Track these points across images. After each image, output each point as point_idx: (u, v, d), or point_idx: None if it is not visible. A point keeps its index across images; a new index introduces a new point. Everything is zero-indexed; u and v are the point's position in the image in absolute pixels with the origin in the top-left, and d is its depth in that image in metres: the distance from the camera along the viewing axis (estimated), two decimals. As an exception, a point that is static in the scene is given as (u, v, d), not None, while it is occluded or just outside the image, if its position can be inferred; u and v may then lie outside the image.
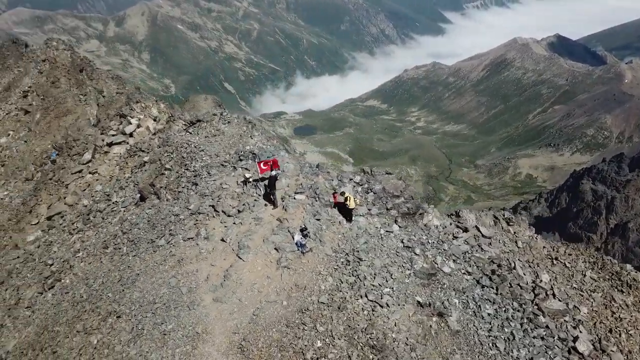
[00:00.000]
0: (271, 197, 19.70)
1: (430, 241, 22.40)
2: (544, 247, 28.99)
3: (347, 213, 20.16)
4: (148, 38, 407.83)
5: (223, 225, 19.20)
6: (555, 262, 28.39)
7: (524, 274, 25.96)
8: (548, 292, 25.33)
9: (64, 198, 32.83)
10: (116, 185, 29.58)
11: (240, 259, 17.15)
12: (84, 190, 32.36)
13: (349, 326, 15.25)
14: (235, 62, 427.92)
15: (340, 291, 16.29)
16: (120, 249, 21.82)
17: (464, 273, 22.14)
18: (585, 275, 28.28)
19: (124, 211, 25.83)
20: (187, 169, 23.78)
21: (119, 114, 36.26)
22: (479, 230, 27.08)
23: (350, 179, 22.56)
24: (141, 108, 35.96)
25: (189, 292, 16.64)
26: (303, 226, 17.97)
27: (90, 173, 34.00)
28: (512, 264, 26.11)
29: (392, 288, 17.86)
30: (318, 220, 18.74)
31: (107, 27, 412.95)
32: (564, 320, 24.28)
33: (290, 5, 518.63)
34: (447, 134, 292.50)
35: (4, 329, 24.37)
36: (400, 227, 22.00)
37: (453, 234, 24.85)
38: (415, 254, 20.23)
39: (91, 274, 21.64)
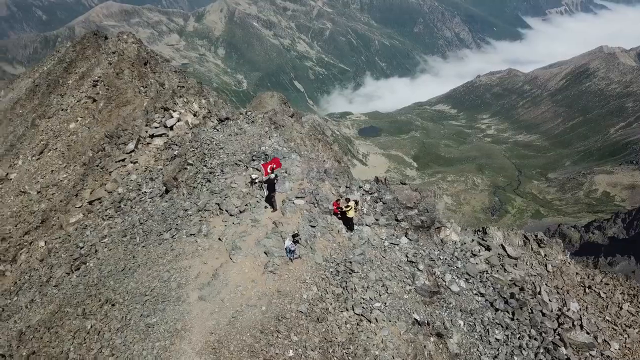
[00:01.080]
0: (270, 199, 19.61)
1: (442, 257, 21.45)
2: (577, 273, 26.97)
3: (347, 222, 19.67)
4: (224, 34, 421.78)
5: (224, 224, 19.36)
6: (588, 290, 26.33)
7: (550, 301, 24.28)
8: (575, 323, 23.58)
9: (105, 185, 34.55)
10: (147, 176, 30.69)
11: (231, 259, 17.21)
12: (124, 178, 33.86)
13: (325, 338, 14.86)
14: (306, 60, 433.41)
15: (324, 302, 15.90)
16: (134, 238, 22.59)
17: (475, 294, 21.01)
18: (621, 308, 26.03)
19: (150, 202, 26.74)
20: (205, 165, 24.23)
21: (163, 107, 37.63)
22: (504, 250, 25.62)
23: (360, 187, 22.01)
24: (183, 102, 37.08)
25: (178, 287, 16.91)
26: (295, 232, 17.73)
27: (131, 162, 35.47)
28: (538, 289, 24.48)
29: (385, 303, 17.22)
30: (313, 227, 18.41)
31: (187, 22, 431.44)
32: (590, 355, 22.49)
33: (364, 6, 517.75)
34: (518, 144, 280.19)
35: (34, 304, 25.97)
36: (410, 240, 21.20)
37: (472, 251, 23.66)
38: (419, 269, 19.41)
39: (105, 261, 22.58)
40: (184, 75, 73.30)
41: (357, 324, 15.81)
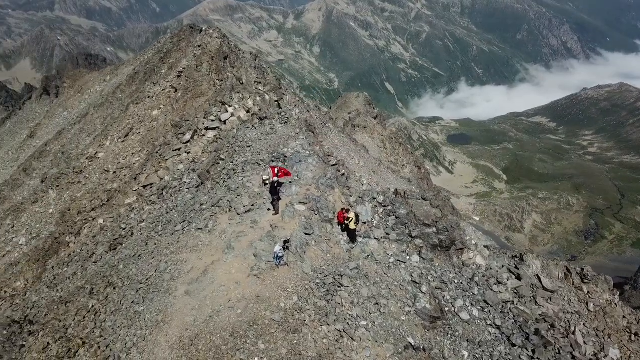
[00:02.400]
0: (272, 202, 19.39)
1: (456, 281, 20.01)
2: (624, 317, 24.03)
3: (350, 233, 18.94)
4: (321, 32, 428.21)
5: (229, 222, 19.48)
6: (635, 338, 23.37)
7: (585, 343, 21.84)
8: (613, 372, 21.04)
9: (158, 171, 36.33)
10: (191, 167, 31.80)
11: (223, 258, 17.25)
12: (175, 167, 35.39)
13: (294, 351, 14.38)
14: (400, 63, 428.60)
15: (302, 313, 15.40)
16: (157, 226, 23.49)
17: (489, 324, 19.38)
18: (673, 364, 22.79)
19: (186, 192, 27.68)
20: (232, 162, 24.60)
21: (221, 101, 38.82)
22: (539, 281, 23.42)
23: (374, 198, 21.08)
24: (239, 98, 37.99)
25: (170, 279, 17.27)
26: (287, 238, 17.38)
27: (186, 152, 37.00)
28: (572, 328, 22.13)
29: (374, 322, 16.36)
30: (307, 234, 17.90)
31: (286, 20, 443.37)
32: (623, 412, 19.98)
33: (465, 9, 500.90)
34: (624, 165, 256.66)
35: (75, 277, 27.93)
36: (424, 259, 19.99)
37: (497, 278, 21.85)
38: (421, 291, 18.23)
39: (130, 245, 23.68)
40: (263, 72, 75.28)
41: (336, 341, 15.18)
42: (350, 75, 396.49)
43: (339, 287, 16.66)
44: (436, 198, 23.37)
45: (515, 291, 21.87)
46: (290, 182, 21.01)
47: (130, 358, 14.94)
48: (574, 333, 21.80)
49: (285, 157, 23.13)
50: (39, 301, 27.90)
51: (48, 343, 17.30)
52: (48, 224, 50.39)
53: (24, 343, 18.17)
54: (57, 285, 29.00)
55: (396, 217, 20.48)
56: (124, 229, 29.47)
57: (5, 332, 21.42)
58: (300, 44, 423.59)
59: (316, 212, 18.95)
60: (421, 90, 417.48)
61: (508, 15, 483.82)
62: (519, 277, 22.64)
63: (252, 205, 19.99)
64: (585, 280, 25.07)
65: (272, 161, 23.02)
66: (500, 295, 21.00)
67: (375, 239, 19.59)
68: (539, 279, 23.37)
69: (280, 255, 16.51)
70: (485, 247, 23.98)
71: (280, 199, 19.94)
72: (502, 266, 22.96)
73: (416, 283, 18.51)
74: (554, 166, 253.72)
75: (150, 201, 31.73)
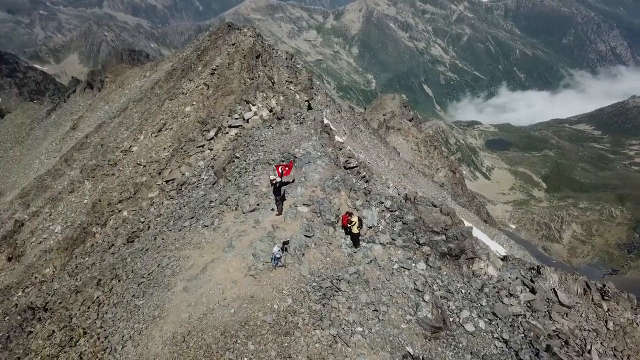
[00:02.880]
0: (276, 203, 19.29)
1: (463, 291, 19.41)
2: (646, 337, 22.76)
3: (353, 237, 18.62)
4: (360, 33, 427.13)
5: (233, 220, 19.50)
6: (655, 360, 22.09)
7: (599, 363, 20.79)
8: (629, 396, 20.00)
9: (180, 167, 36.89)
10: (210, 164, 32.12)
11: (223, 257, 17.28)
12: (196, 163, 35.86)
13: (283, 353, 14.24)
14: (439, 65, 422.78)
15: (296, 316, 15.23)
16: (169, 222, 23.80)
17: (496, 337, 18.71)
18: (696, 391, 21.43)
19: (202, 189, 27.97)
20: (244, 160, 24.66)
21: (246, 99, 39.08)
22: (556, 295, 22.47)
23: (381, 202, 20.64)
24: (263, 98, 38.14)
25: (171, 275, 17.42)
26: (286, 239, 17.24)
27: (209, 149, 37.45)
28: (588, 347, 21.13)
29: (371, 329, 16.03)
30: (308, 236, 17.68)
31: (326, 20, 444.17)
32: None
33: (509, 12, 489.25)
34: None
35: (93, 267, 28.70)
36: (431, 267, 19.48)
37: (509, 290, 21.09)
38: (424, 300, 17.76)
39: (142, 238, 24.11)
40: (295, 71, 75.66)
41: (329, 346, 14.95)
42: (388, 77, 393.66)
43: (336, 291, 16.42)
44: (465, 203, 22.74)
45: (528, 305, 21.07)
46: (296, 182, 20.91)
47: (125, 351, 15.16)
48: (589, 352, 20.82)
49: (295, 157, 23.01)
50: (59, 289, 28.83)
51: (53, 331, 17.78)
52: (81, 214, 51.94)
53: (32, 329, 18.75)
54: (77, 274, 29.88)
55: (403, 223, 20.02)
56: (143, 222, 30.06)
57: (19, 318, 22.19)
58: (339, 44, 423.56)
59: (318, 215, 18.73)
60: (460, 93, 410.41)
61: (554, 18, 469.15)
62: (533, 291, 21.80)
63: (258, 205, 19.98)
64: (606, 297, 23.93)
65: (282, 161, 22.98)
66: (510, 308, 20.27)
67: (380, 244, 19.22)
68: (556, 293, 22.44)
69: (277, 256, 16.41)
70: (501, 257, 23.23)
71: (285, 199, 19.87)
72: (516, 278, 22.17)
73: (419, 291, 18.06)
74: (597, 176, 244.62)
75: (169, 196, 32.26)
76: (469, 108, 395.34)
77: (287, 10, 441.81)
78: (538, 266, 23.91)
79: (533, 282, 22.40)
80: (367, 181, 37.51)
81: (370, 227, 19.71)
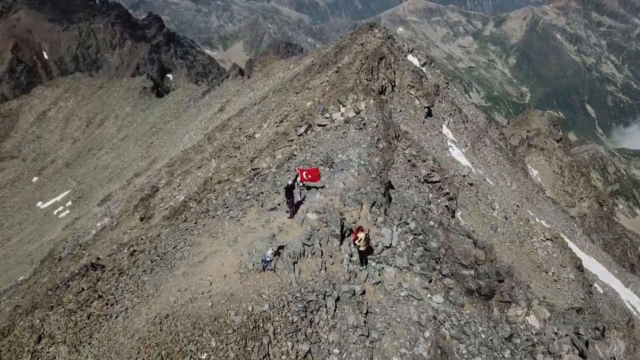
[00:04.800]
0: (288, 205, 18.86)
1: (484, 336, 17.15)
2: None
3: (360, 255, 17.44)
4: (520, 43, 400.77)
5: (253, 216, 19.60)
6: None
7: None
8: None
9: (266, 158, 38.10)
10: (283, 158, 32.60)
11: (224, 250, 17.45)
12: (279, 157, 36.73)
13: (243, 357, 13.97)
14: (608, 84, 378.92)
15: (269, 323, 14.81)
16: (217, 209, 24.72)
17: (507, 399, 16.23)
18: None
19: (266, 181, 28.49)
20: (295, 159, 24.63)
21: (339, 100, 38.97)
22: (613, 366, 18.79)
23: (406, 223, 19.01)
24: (353, 99, 37.70)
25: (179, 258, 18.13)
26: (283, 244, 16.76)
27: (295, 145, 38.23)
28: None
29: (351, 354, 15.00)
30: (307, 245, 16.95)
31: (485, 26, 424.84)
32: None
33: None
34: None
35: (158, 239, 30.97)
36: (451, 302, 17.55)
37: (549, 347, 18.12)
38: (424, 336, 16.08)
39: (189, 220, 25.32)
40: (421, 76, 73.90)
41: (295, 358, 14.35)
42: (546, 92, 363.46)
43: (320, 307, 15.67)
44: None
45: (570, 370, 17.99)
46: (319, 188, 20.35)
47: (116, 321, 16.23)
48: None
49: (334, 163, 22.42)
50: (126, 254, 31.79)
51: (82, 289, 19.69)
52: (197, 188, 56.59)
53: (71, 284, 20.97)
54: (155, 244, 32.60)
55: (425, 249, 18.38)
56: (213, 204, 31.74)
57: (78, 271, 24.91)
58: (495, 53, 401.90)
59: (325, 225, 18.01)
60: (629, 118, 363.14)
61: None
62: (582, 355, 18.57)
63: (279, 205, 19.89)
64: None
65: (320, 165, 22.54)
66: (543, 368, 17.48)
67: (395, 267, 17.88)
68: (613, 363, 18.84)
69: (268, 259, 16.17)
70: (548, 305, 20.09)
71: (302, 203, 19.50)
72: (566, 335, 19.03)
73: (421, 325, 16.44)
74: None
75: (244, 185, 33.59)
76: (638, 135, 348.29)
77: (445, 14, 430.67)
78: (604, 327, 20.25)
79: (588, 344, 19.09)
80: (450, 199, 35.23)
81: (389, 247, 18.46)
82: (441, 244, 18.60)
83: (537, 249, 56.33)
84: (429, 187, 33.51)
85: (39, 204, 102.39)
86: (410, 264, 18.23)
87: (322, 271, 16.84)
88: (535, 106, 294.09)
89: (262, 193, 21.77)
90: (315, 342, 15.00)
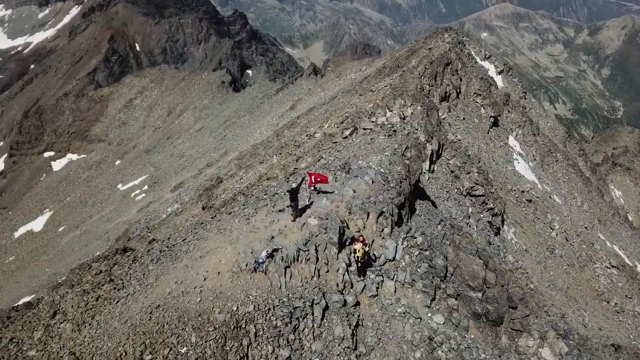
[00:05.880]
0: (292, 208, 18.60)
1: (484, 364, 15.98)
2: None
3: (358, 264, 16.84)
4: (616, 53, 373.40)
5: (262, 216, 19.60)
6: None
7: None
8: None
9: (309, 158, 38.11)
10: (313, 161, 32.46)
11: (225, 247, 17.57)
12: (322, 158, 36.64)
13: (220, 355, 14.00)
14: None
15: (251, 324, 14.72)
16: (241, 206, 25.00)
17: None
18: None
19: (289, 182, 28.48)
20: (318, 161, 24.41)
21: (387, 104, 38.21)
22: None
23: (413, 237, 18.09)
24: (400, 105, 36.80)
25: (185, 251, 18.52)
26: (278, 247, 16.56)
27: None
28: None
29: (331, 366, 14.54)
30: (302, 250, 16.59)
31: (577, 35, 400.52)
32: None
33: None
34: None
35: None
36: (454, 324, 16.58)
37: (560, 385, 16.58)
38: (414, 357, 15.30)
39: (217, 215, 25.79)
40: (490, 85, 71.32)
41: (271, 363, 14.20)
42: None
43: (306, 315, 15.38)
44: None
45: (582, 413, 16.42)
46: (327, 194, 19.94)
47: (117, 305, 16.89)
48: None
49: (350, 168, 21.89)
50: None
51: (101, 271, 20.71)
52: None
53: (93, 265, 22.11)
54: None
55: (430, 266, 17.49)
56: (252, 199, 32.24)
57: (107, 253, 26.27)
58: (587, 63, 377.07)
59: (325, 231, 17.59)
60: None
61: None
62: (600, 398, 16.92)
63: (287, 207, 19.78)
64: None
65: (338, 170, 22.13)
66: (548, 406, 16.08)
67: (397, 281, 17.18)
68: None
69: (260, 261, 16.11)
70: (565, 336, 18.39)
71: (309, 207, 19.25)
72: (584, 374, 17.41)
73: (414, 345, 15.67)
74: None
75: (278, 183, 33.83)
76: None
77: (535, 20, 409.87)
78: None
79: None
80: (495, 214, 33.51)
81: (392, 260, 17.78)
82: (449, 262, 17.69)
83: (600, 275, 52.38)
84: (471, 200, 32.09)
85: (119, 185, 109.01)
86: (413, 280, 17.47)
87: (315, 278, 16.52)
88: (628, 122, 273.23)
89: (277, 194, 21.82)
90: (296, 350, 14.79)
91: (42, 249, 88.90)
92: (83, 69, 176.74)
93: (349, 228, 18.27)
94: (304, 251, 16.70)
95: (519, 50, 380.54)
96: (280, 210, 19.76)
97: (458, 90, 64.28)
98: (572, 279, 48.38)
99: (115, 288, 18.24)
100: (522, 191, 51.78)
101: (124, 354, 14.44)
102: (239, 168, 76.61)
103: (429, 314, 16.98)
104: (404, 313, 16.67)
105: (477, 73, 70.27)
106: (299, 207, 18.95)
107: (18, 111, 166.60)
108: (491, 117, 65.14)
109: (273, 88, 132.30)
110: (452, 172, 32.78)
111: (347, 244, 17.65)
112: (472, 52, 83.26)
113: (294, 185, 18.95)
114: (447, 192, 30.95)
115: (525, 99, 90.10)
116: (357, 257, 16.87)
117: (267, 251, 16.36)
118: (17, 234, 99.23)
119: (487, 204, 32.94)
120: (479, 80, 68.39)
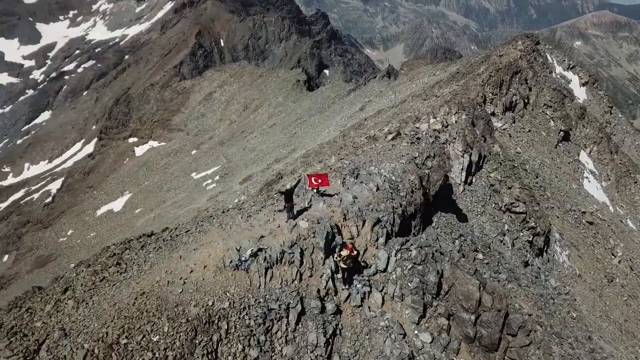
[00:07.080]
0: (286, 209, 18.32)
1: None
2: None
3: (343, 273, 16.24)
4: None
5: (264, 214, 19.55)
6: None
7: None
8: None
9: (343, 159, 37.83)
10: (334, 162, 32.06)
11: (218, 241, 17.69)
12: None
13: (188, 348, 14.17)
14: None
15: (224, 321, 14.73)
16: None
17: None
18: None
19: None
20: (338, 164, 24.06)
21: (432, 111, 36.95)
22: None
23: (407, 249, 17.16)
24: (445, 112, 35.41)
25: (184, 243, 18.92)
26: (262, 247, 16.36)
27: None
28: None
29: (299, 373, 14.23)
30: (287, 252, 16.24)
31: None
32: None
33: None
34: None
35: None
36: (443, 346, 15.65)
37: None
38: None
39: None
40: (564, 97, 67.65)
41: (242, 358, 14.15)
42: None
43: (282, 317, 15.18)
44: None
45: None
46: (325, 197, 19.47)
47: (113, 288, 17.58)
48: None
49: (359, 174, 21.24)
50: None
51: (114, 253, 21.70)
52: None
53: (111, 247, 23.16)
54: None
55: (421, 282, 16.60)
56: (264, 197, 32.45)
57: (141, 238, 27.39)
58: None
59: (314, 236, 17.17)
60: None
61: None
62: None
63: (283, 208, 19.61)
64: None
65: (347, 174, 21.59)
66: None
67: (385, 293, 16.49)
68: None
69: (243, 259, 16.09)
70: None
71: (306, 209, 18.95)
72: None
73: (390, 362, 14.96)
74: None
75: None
76: None
77: (636, 29, 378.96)
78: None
79: None
80: (536, 234, 31.37)
81: (382, 272, 17.10)
82: (445, 279, 16.75)
83: (669, 313, 47.65)
84: (510, 217, 30.28)
85: (193, 174, 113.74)
86: (403, 294, 16.71)
87: (296, 282, 16.29)
88: None
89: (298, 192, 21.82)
90: (266, 351, 14.68)
91: (119, 228, 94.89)
92: (171, 61, 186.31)
93: (341, 234, 17.84)
94: (289, 253, 16.50)
95: (615, 61, 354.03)
96: (280, 210, 19.71)
97: (526, 101, 61.32)
98: (633, 312, 44.35)
99: (118, 271, 19.05)
100: (583, 212, 48.08)
101: (105, 335, 15.06)
102: (303, 165, 77.54)
103: (416, 332, 16.20)
104: (386, 327, 16.01)
105: (551, 83, 66.47)
106: (298, 209, 18.81)
107: (111, 98, 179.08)
108: (561, 130, 61.45)
109: (346, 89, 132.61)
110: (491, 185, 31.11)
111: (335, 250, 17.26)
112: (554, 61, 78.85)
113: (288, 187, 18.84)
114: (482, 206, 29.42)
115: (610, 113, 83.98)
116: (339, 259, 16.40)
117: (251, 250, 16.37)
118: (99, 212, 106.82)
119: (528, 222, 30.91)
120: (551, 91, 64.71)
